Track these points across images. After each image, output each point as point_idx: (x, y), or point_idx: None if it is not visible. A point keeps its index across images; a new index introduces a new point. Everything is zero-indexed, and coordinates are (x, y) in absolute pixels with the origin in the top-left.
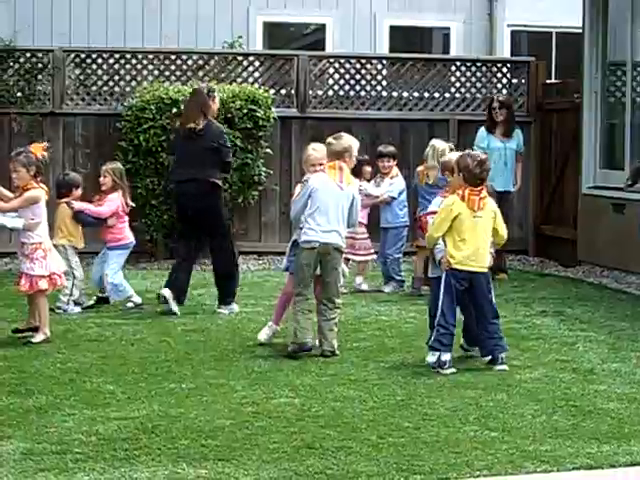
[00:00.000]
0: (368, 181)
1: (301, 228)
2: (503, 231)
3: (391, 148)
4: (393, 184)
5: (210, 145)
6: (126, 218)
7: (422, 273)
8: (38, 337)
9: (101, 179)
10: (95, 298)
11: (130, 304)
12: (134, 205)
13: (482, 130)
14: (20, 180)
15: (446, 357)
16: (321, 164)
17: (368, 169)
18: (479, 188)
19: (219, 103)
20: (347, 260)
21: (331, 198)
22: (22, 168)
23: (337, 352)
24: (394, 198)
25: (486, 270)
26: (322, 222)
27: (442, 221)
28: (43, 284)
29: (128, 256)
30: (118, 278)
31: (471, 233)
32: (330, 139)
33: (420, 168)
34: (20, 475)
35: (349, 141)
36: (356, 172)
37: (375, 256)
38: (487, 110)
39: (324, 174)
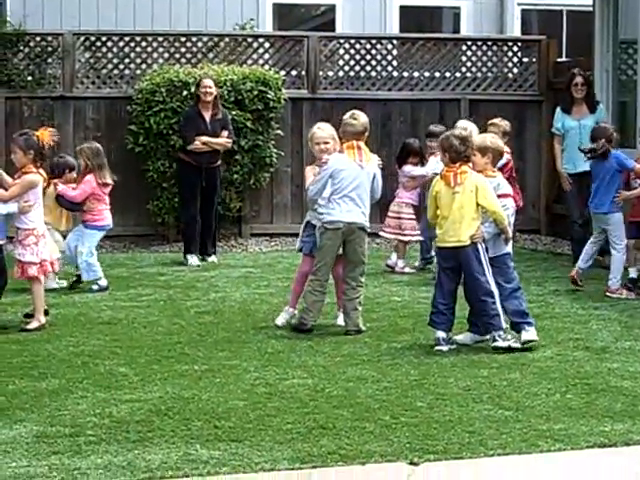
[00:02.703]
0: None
1: (315, 209)
2: (491, 206)
3: (441, 128)
4: (440, 162)
5: None
6: (107, 199)
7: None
8: (32, 324)
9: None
10: (75, 277)
11: (96, 287)
12: (114, 181)
13: (558, 110)
14: (17, 162)
15: (439, 334)
16: (326, 142)
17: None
18: (457, 164)
19: (230, 86)
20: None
21: (353, 178)
22: (19, 150)
23: (363, 328)
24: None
25: (467, 244)
26: (345, 202)
27: (429, 202)
28: (32, 271)
29: (141, 239)
30: (92, 258)
31: (448, 209)
32: (350, 119)
33: None
34: (33, 458)
35: (367, 120)
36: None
37: (421, 237)
38: (566, 87)
39: (343, 154)
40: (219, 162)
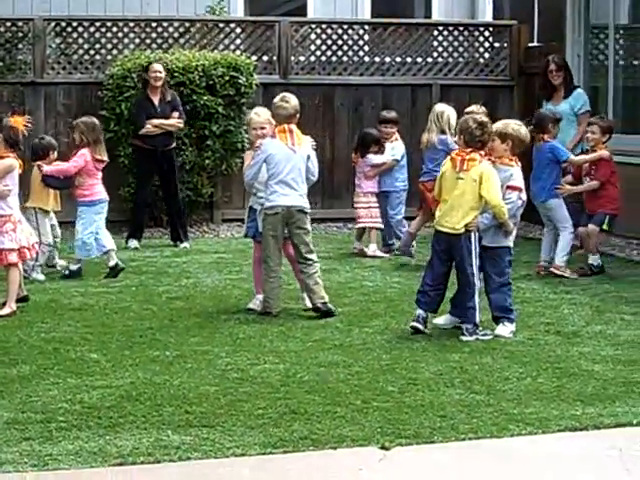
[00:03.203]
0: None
1: (255, 194)
2: (492, 199)
3: (393, 114)
4: (395, 148)
5: None
6: (99, 174)
7: (415, 231)
8: (4, 310)
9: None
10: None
11: (66, 271)
12: (106, 160)
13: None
14: None
15: (419, 312)
16: (263, 127)
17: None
18: (469, 149)
19: (201, 71)
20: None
21: (287, 161)
22: None
23: (330, 306)
24: (398, 161)
25: (460, 233)
26: (281, 187)
27: (437, 181)
28: (13, 257)
29: (112, 225)
30: (88, 236)
31: (450, 193)
32: (281, 102)
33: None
34: (4, 444)
35: (297, 102)
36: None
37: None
38: (543, 74)
39: (276, 139)
40: (173, 144)
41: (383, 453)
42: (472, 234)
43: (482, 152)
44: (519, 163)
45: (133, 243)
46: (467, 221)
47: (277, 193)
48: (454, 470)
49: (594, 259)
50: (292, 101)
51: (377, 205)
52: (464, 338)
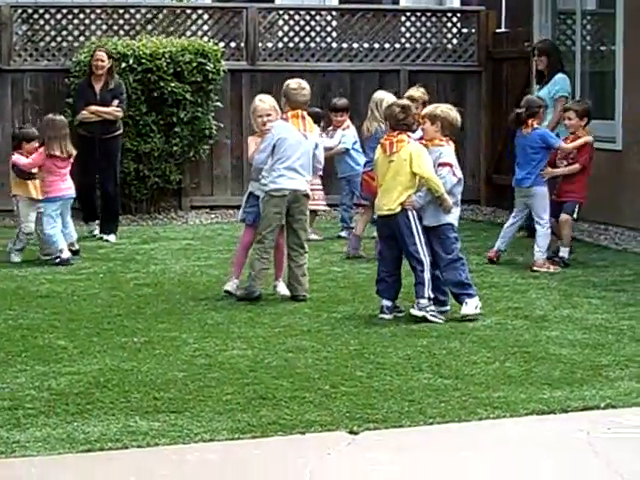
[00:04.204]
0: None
1: (257, 180)
2: (424, 172)
3: (344, 101)
4: (345, 135)
5: None
6: (61, 171)
7: (361, 232)
8: None
9: None
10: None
11: (57, 259)
12: (66, 156)
13: None
14: None
15: (384, 302)
16: (269, 114)
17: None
18: (396, 132)
19: (169, 58)
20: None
21: (297, 146)
22: None
23: (308, 296)
24: (347, 149)
25: (397, 212)
26: (289, 170)
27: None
28: None
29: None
30: (53, 229)
31: (384, 178)
32: (299, 88)
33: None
34: None
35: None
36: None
37: (326, 207)
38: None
39: (287, 123)
40: (116, 133)
41: (351, 437)
42: (409, 212)
43: (409, 133)
44: (451, 143)
45: (92, 226)
46: (402, 200)
47: (285, 177)
48: (422, 454)
49: (565, 251)
50: (306, 89)
51: (319, 188)
52: (412, 311)
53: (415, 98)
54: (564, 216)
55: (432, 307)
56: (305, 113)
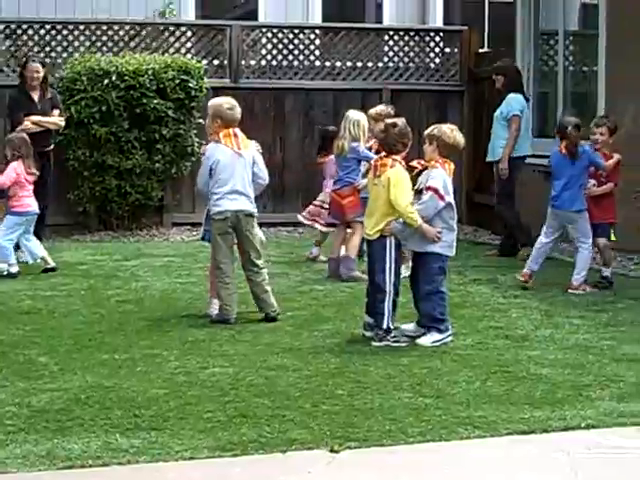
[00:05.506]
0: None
1: (209, 199)
2: (396, 203)
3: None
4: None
5: None
6: (29, 187)
7: (354, 254)
8: None
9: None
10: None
11: (5, 272)
12: (37, 173)
13: None
14: None
15: (367, 319)
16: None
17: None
18: (384, 154)
19: (152, 75)
20: (312, 227)
21: (233, 166)
22: None
23: (278, 310)
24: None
25: (372, 237)
26: (229, 191)
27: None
28: None
29: (62, 228)
30: (7, 242)
31: (370, 199)
32: (230, 105)
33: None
34: None
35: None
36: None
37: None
38: None
39: (221, 144)
40: (52, 146)
41: (332, 456)
42: (387, 240)
43: (397, 157)
44: (447, 165)
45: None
46: (380, 227)
47: (225, 199)
48: (403, 473)
49: (608, 271)
50: (237, 107)
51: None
52: (374, 343)
53: (377, 114)
54: (601, 241)
55: (393, 333)
56: (237, 130)
